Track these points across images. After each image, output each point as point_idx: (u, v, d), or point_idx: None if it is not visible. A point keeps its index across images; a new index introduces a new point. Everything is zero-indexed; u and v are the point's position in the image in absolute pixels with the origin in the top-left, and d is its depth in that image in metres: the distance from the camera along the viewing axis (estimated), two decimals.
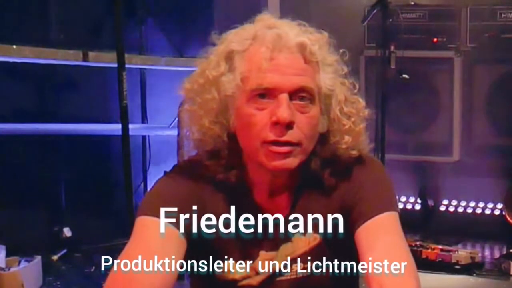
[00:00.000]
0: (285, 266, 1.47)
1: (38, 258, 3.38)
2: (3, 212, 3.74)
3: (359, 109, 1.44)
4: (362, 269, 1.37)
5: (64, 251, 3.82)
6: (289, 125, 1.35)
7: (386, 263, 1.34)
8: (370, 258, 1.35)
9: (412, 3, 4.29)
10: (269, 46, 1.35)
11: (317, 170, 1.44)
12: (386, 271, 1.33)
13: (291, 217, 1.46)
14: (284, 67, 1.35)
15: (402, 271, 1.34)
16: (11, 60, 3.45)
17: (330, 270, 1.48)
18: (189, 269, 1.51)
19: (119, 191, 3.45)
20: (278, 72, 1.34)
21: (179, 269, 1.38)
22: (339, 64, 1.43)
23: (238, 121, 1.39)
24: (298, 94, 1.36)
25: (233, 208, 1.45)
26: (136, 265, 1.34)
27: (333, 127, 1.41)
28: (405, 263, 1.35)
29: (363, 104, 1.45)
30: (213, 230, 1.44)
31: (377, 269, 1.34)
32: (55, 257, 3.75)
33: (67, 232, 3.93)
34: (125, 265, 1.35)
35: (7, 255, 3.25)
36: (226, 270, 1.46)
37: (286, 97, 1.34)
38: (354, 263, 1.48)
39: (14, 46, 3.28)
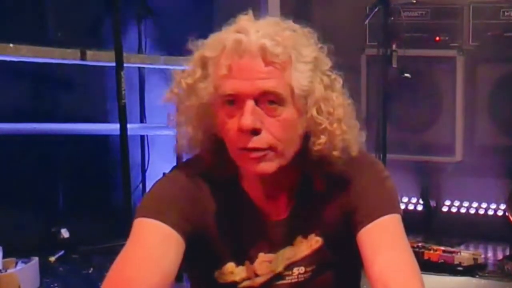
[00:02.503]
0: (286, 269, 1.47)
1: (35, 260, 3.36)
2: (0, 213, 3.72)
3: (335, 106, 1.38)
4: (366, 271, 1.37)
5: (62, 252, 3.80)
6: (254, 132, 1.33)
7: (390, 265, 1.34)
8: (374, 261, 1.35)
9: (414, 1, 4.27)
10: (229, 52, 1.32)
11: (308, 171, 1.43)
12: (391, 274, 1.33)
13: (291, 219, 1.46)
14: (245, 72, 1.32)
15: (407, 273, 1.35)
16: (8, 59, 3.43)
17: (332, 273, 1.48)
18: (188, 272, 1.53)
19: (118, 192, 3.45)
20: (239, 77, 1.32)
21: (177, 271, 1.37)
22: (320, 59, 1.38)
23: (218, 127, 1.38)
24: (265, 98, 1.33)
25: (232, 210, 1.45)
26: (134, 267, 1.34)
27: (310, 127, 1.38)
28: (409, 265, 1.36)
29: (342, 102, 1.40)
30: (212, 233, 1.44)
31: (382, 272, 1.34)
32: (52, 259, 3.73)
33: (64, 233, 3.92)
34: (123, 266, 1.35)
35: (4, 256, 3.23)
36: (225, 272, 1.46)
37: (250, 103, 1.32)
38: (356, 266, 1.49)
39: (11, 45, 3.27)
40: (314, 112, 1.37)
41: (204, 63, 1.37)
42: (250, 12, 1.39)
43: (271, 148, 1.34)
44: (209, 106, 1.38)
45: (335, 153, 1.39)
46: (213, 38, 1.38)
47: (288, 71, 1.34)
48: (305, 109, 1.37)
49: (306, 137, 1.39)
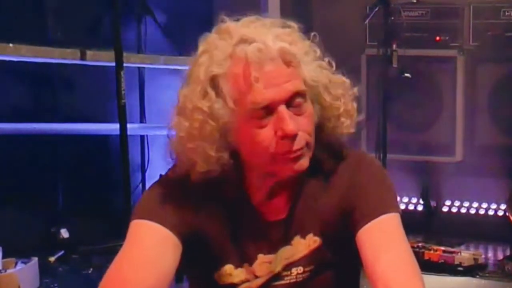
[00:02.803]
0: (284, 270, 1.46)
1: (35, 260, 3.36)
2: None
3: (345, 87, 1.43)
4: (366, 271, 1.37)
5: (61, 252, 3.78)
6: (295, 135, 1.34)
7: (390, 265, 1.34)
8: (374, 261, 1.35)
9: (414, 1, 4.27)
10: (252, 64, 1.31)
11: (318, 157, 1.43)
12: (391, 273, 1.33)
13: (290, 220, 1.46)
14: (272, 79, 1.32)
15: (407, 273, 1.35)
16: (7, 58, 3.42)
17: (331, 273, 1.47)
18: (187, 273, 1.53)
19: (117, 192, 3.45)
20: (268, 86, 1.32)
21: (174, 273, 1.38)
22: (313, 48, 1.40)
23: (240, 140, 1.37)
24: (293, 100, 1.34)
25: (230, 211, 1.45)
26: (131, 268, 1.34)
27: (328, 113, 1.41)
28: (409, 265, 1.36)
29: (347, 81, 1.44)
30: (210, 234, 1.44)
31: (382, 271, 1.34)
32: (52, 259, 3.72)
33: (64, 233, 3.91)
34: (120, 268, 1.35)
35: (4, 256, 3.22)
36: (224, 274, 1.45)
37: (284, 108, 1.33)
38: (355, 265, 1.49)
39: (11, 45, 3.26)
40: (328, 98, 1.40)
41: (214, 82, 1.35)
42: (227, 18, 1.39)
43: (306, 144, 1.37)
44: (229, 123, 1.36)
45: (352, 130, 1.44)
46: (212, 54, 1.35)
47: (300, 67, 1.36)
48: (318, 97, 1.39)
49: (316, 126, 1.41)
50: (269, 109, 1.33)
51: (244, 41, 1.34)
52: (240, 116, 1.34)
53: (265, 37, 1.33)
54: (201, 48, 1.38)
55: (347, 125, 1.43)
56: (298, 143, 1.35)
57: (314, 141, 1.40)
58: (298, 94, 1.35)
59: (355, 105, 1.44)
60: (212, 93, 1.35)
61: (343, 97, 1.42)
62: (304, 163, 1.37)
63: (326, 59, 1.43)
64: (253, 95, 1.32)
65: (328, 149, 1.44)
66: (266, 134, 1.34)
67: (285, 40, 1.35)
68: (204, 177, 1.40)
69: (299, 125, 1.35)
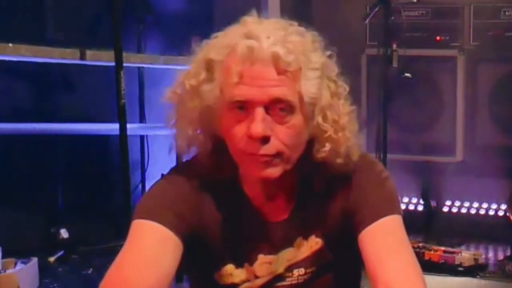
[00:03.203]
0: (286, 271, 1.46)
1: (34, 260, 3.35)
2: None
3: (341, 115, 1.39)
4: (368, 273, 1.37)
5: (61, 252, 3.78)
6: (264, 139, 1.32)
7: (392, 266, 1.34)
8: (375, 262, 1.35)
9: (415, 0, 4.27)
10: (240, 59, 1.31)
11: (309, 175, 1.43)
12: (393, 275, 1.33)
13: (291, 221, 1.45)
14: (256, 79, 1.31)
15: (409, 274, 1.35)
16: (7, 58, 3.42)
17: (332, 274, 1.48)
18: (187, 273, 1.53)
19: (117, 192, 3.44)
20: (250, 84, 1.31)
21: (175, 273, 1.37)
22: (327, 66, 1.38)
23: (221, 129, 1.38)
24: (275, 105, 1.32)
25: (231, 211, 1.45)
26: (131, 268, 1.34)
27: (315, 134, 1.38)
28: (411, 266, 1.36)
29: (348, 109, 1.41)
30: (211, 234, 1.44)
31: (384, 273, 1.33)
32: (51, 259, 3.71)
33: (64, 233, 3.90)
34: (120, 268, 1.35)
35: (3, 256, 3.22)
36: (224, 274, 1.45)
37: (260, 110, 1.31)
38: (356, 267, 1.51)
39: (10, 45, 3.25)
40: (320, 120, 1.37)
41: (209, 66, 1.37)
42: (255, 13, 1.39)
43: (278, 154, 1.34)
44: (213, 108, 1.37)
45: (339, 160, 1.40)
46: (218, 40, 1.37)
47: (298, 79, 1.34)
48: (312, 116, 1.37)
49: (309, 142, 1.40)
50: (248, 107, 1.33)
51: (247, 36, 1.34)
52: (223, 105, 1.35)
53: (267, 38, 1.32)
54: (218, 32, 1.40)
55: (325, 151, 1.38)
56: (266, 149, 1.33)
57: (305, 157, 1.39)
58: (281, 101, 1.32)
59: (349, 136, 1.39)
60: (203, 74, 1.37)
61: (336, 124, 1.38)
62: (272, 172, 1.35)
63: (340, 82, 1.40)
64: (233, 89, 1.32)
65: (321, 167, 1.42)
66: (240, 129, 1.34)
67: (287, 47, 1.32)
68: (210, 166, 1.42)
69: (275, 132, 1.33)
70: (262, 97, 1.32)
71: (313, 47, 1.38)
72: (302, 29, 1.39)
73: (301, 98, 1.34)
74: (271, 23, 1.37)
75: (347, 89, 1.42)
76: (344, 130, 1.39)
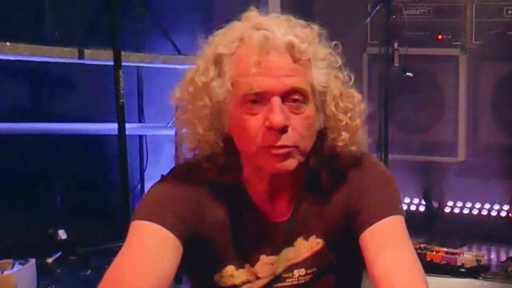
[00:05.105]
0: (286, 271, 1.45)
1: (32, 261, 3.33)
2: None
3: (355, 103, 1.42)
4: (370, 273, 1.36)
5: (59, 253, 3.77)
6: (283, 129, 1.32)
7: (394, 266, 1.33)
8: (377, 262, 1.34)
9: None
10: (256, 49, 1.31)
11: (316, 168, 1.42)
12: (395, 275, 1.32)
13: (293, 221, 1.45)
14: (273, 69, 1.31)
15: (411, 274, 1.34)
16: (5, 57, 3.42)
17: (333, 275, 1.47)
18: (187, 274, 1.52)
19: (116, 192, 3.44)
20: (267, 75, 1.31)
21: (174, 274, 1.36)
22: (333, 57, 1.40)
23: (232, 126, 1.37)
24: (291, 95, 1.33)
25: (232, 212, 1.44)
26: (130, 269, 1.33)
27: (330, 123, 1.39)
28: (413, 267, 1.35)
29: (358, 97, 1.43)
30: (211, 235, 1.43)
31: (386, 273, 1.33)
32: (49, 260, 3.70)
33: (62, 234, 3.89)
34: (119, 269, 1.34)
35: (1, 257, 3.21)
36: (225, 275, 1.44)
37: (278, 100, 1.31)
38: (357, 268, 1.49)
39: (8, 43, 3.26)
40: (333, 109, 1.38)
41: (218, 61, 1.36)
42: (255, 9, 1.39)
43: (295, 146, 1.34)
44: (223, 105, 1.36)
45: (353, 147, 1.42)
46: (225, 34, 1.37)
47: (310, 68, 1.35)
48: (323, 105, 1.38)
49: (319, 134, 1.40)
50: (262, 98, 1.32)
51: (257, 27, 1.34)
52: (235, 99, 1.34)
53: (278, 28, 1.33)
54: (220, 29, 1.39)
55: (348, 141, 1.40)
56: (285, 140, 1.32)
57: (314, 150, 1.39)
58: (297, 91, 1.33)
59: (362, 123, 1.43)
60: (213, 71, 1.36)
61: (350, 111, 1.40)
62: (289, 164, 1.34)
63: (345, 73, 1.42)
64: (249, 80, 1.31)
65: (327, 162, 1.42)
66: (255, 123, 1.33)
67: (299, 37, 1.33)
68: (209, 164, 1.41)
69: (292, 124, 1.33)
70: (278, 87, 1.31)
71: (319, 38, 1.39)
72: (304, 22, 1.40)
73: (313, 88, 1.36)
74: (274, 17, 1.38)
75: (352, 79, 1.43)
76: (361, 118, 1.42)
